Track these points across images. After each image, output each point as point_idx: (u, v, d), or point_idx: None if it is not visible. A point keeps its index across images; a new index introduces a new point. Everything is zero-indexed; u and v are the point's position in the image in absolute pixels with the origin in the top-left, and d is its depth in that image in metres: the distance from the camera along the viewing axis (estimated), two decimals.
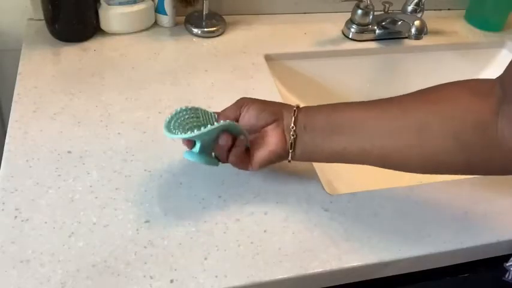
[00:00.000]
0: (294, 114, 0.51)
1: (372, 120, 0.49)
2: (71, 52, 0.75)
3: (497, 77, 0.47)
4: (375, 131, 0.49)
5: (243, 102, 0.53)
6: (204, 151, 0.51)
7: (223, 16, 0.87)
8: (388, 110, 0.49)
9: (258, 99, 0.53)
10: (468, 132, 0.45)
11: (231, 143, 0.50)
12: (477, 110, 0.45)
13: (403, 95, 0.50)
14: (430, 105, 0.47)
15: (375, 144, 0.49)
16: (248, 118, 0.52)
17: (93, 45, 0.77)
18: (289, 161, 0.52)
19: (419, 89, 0.50)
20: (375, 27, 0.87)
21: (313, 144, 0.51)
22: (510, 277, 0.54)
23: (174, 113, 0.52)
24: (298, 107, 0.52)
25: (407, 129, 0.47)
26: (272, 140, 0.51)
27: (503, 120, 0.43)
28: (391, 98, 0.51)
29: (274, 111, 0.52)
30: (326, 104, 0.53)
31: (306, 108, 0.52)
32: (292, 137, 0.51)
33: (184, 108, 0.53)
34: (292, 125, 0.51)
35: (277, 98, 0.70)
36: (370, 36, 0.87)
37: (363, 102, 0.51)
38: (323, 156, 0.52)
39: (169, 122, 0.51)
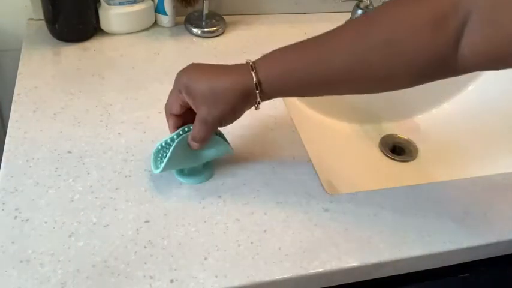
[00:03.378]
0: (257, 105, 0.50)
1: (326, 83, 0.48)
2: (71, 52, 0.75)
3: None
4: (328, 90, 0.50)
5: (183, 95, 0.50)
6: (175, 162, 0.53)
7: (223, 16, 0.87)
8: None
9: (213, 108, 0.49)
10: (424, 67, 0.44)
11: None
12: (433, 45, 0.43)
13: (344, 32, 0.48)
14: (392, 23, 0.45)
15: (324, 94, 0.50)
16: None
17: (93, 45, 0.77)
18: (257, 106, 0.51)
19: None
20: None
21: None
22: None
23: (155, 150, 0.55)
24: (258, 88, 0.48)
25: (375, 48, 0.45)
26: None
27: (465, 44, 0.42)
28: (336, 40, 0.49)
29: (243, 109, 0.50)
30: (286, 73, 0.49)
31: (269, 89, 0.49)
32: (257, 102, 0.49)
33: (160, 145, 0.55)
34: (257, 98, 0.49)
35: (277, 98, 0.69)
36: None
37: (313, 53, 0.50)
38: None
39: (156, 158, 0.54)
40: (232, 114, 0.50)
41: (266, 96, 0.49)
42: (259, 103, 0.50)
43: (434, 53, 0.43)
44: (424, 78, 0.46)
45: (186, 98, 0.50)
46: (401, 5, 0.45)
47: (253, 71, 0.48)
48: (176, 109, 0.52)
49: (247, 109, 0.51)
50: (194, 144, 0.52)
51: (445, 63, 0.43)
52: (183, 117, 0.53)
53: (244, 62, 0.50)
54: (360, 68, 0.46)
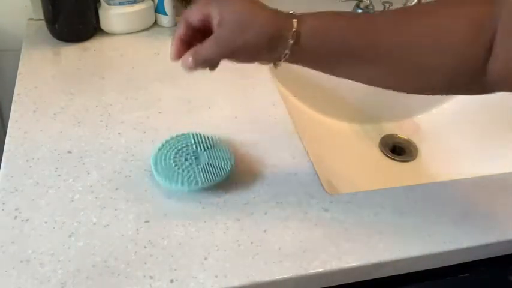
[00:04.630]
0: (284, 56, 0.44)
1: (367, 54, 0.45)
2: (71, 52, 0.75)
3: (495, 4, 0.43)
4: (366, 63, 0.46)
5: (210, 8, 0.43)
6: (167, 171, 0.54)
7: None
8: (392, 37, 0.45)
9: (236, 34, 0.43)
10: (457, 66, 0.44)
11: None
12: (472, 43, 0.43)
13: (395, 14, 0.47)
14: (424, 29, 0.44)
15: (359, 73, 0.48)
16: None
17: (93, 45, 0.77)
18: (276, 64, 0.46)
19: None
20: None
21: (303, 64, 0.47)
22: None
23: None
24: (293, 38, 0.43)
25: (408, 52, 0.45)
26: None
27: (492, 59, 0.42)
28: (385, 18, 0.47)
29: (265, 54, 0.45)
30: (327, 31, 0.45)
31: (304, 42, 0.44)
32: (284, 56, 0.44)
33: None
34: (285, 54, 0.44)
35: (277, 98, 0.70)
36: None
37: (361, 23, 0.46)
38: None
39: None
40: (250, 52, 0.44)
41: (296, 53, 0.44)
42: (285, 56, 0.44)
43: (470, 56, 0.43)
44: (454, 84, 0.46)
45: (212, 11, 0.43)
46: (448, 5, 0.45)
47: (295, 19, 0.44)
48: (194, 18, 0.45)
49: (266, 59, 0.46)
50: (191, 62, 0.44)
51: (476, 72, 0.43)
52: (191, 42, 0.46)
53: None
54: (403, 50, 0.44)
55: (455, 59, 0.44)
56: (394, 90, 0.48)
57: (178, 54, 0.46)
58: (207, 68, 0.46)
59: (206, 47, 0.44)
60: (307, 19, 0.44)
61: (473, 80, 0.44)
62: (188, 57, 0.44)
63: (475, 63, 0.43)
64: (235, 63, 0.46)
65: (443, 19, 0.44)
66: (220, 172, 0.54)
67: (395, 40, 0.44)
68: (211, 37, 0.44)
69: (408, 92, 0.48)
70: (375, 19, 0.47)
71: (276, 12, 0.45)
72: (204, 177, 0.53)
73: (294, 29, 0.43)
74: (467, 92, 0.47)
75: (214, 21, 0.43)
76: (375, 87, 0.50)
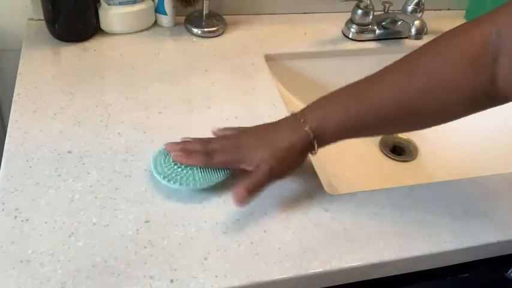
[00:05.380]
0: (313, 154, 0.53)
1: (375, 121, 0.51)
2: (71, 52, 0.75)
3: (492, 20, 0.46)
4: (378, 128, 0.52)
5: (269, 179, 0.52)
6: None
7: (223, 16, 0.87)
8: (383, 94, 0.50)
9: (275, 165, 0.52)
10: (472, 101, 0.48)
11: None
12: (471, 83, 0.46)
13: (383, 71, 0.52)
14: (421, 78, 0.48)
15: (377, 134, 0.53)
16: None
17: (93, 45, 0.77)
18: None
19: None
20: (375, 27, 0.87)
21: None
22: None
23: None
24: (314, 144, 0.52)
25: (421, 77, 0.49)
26: None
27: (500, 78, 0.45)
28: (373, 79, 0.52)
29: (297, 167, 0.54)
30: (335, 121, 0.52)
31: (323, 139, 0.52)
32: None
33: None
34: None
35: (277, 98, 0.70)
36: (370, 36, 0.87)
37: (356, 95, 0.52)
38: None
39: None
40: (293, 168, 0.54)
41: (321, 145, 0.52)
42: (313, 154, 0.53)
43: (476, 89, 0.46)
44: (474, 108, 0.49)
45: (246, 167, 0.53)
46: (437, 49, 0.49)
47: (305, 126, 0.51)
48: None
49: (305, 158, 0.54)
50: (244, 194, 0.50)
51: (488, 96, 0.46)
52: None
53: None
54: (409, 111, 0.49)
55: (464, 95, 0.47)
56: (421, 129, 0.55)
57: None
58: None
59: (257, 179, 0.50)
60: (313, 121, 0.51)
61: (488, 100, 0.47)
62: (243, 191, 0.50)
63: (484, 90, 0.46)
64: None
65: (439, 64, 0.48)
66: (220, 172, 0.54)
67: (400, 105, 0.49)
68: (256, 171, 0.51)
69: (437, 124, 0.52)
70: (372, 89, 0.51)
71: (287, 125, 0.53)
72: (204, 177, 0.53)
73: (311, 137, 0.51)
74: (487, 107, 0.49)
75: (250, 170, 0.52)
76: None
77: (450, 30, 0.49)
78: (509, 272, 0.54)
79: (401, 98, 0.49)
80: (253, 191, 0.50)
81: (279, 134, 0.53)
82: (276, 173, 0.51)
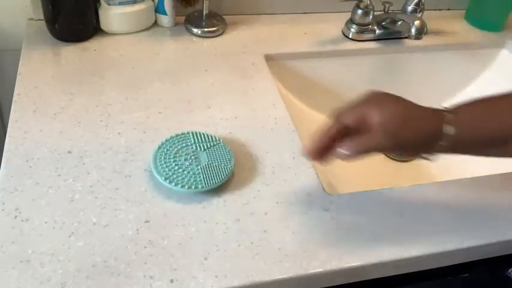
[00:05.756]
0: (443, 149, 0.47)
1: None
2: (71, 52, 0.75)
3: None
4: None
5: (392, 142, 0.46)
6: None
7: (223, 16, 0.87)
8: None
9: (405, 131, 0.46)
10: None
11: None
12: None
13: None
14: None
15: None
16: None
17: (93, 45, 0.77)
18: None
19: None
20: (375, 27, 0.87)
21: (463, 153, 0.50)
22: None
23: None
24: (451, 129, 0.46)
25: None
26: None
27: None
28: None
29: (421, 148, 0.48)
30: (481, 120, 0.48)
31: (461, 128, 0.47)
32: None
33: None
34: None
35: (277, 98, 0.70)
36: (370, 36, 0.87)
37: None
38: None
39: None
40: (413, 145, 0.47)
41: (454, 144, 0.47)
42: (442, 148, 0.47)
43: None
44: None
45: (372, 111, 0.46)
46: None
47: (451, 114, 0.47)
48: (349, 119, 0.47)
49: (425, 151, 0.49)
50: (352, 151, 0.45)
51: None
52: (334, 142, 0.47)
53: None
54: None
55: None
56: None
57: (320, 154, 0.48)
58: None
59: (372, 139, 0.46)
60: (461, 111, 0.47)
61: None
62: (350, 148, 0.46)
63: None
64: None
65: None
66: (221, 174, 0.54)
67: None
68: (375, 131, 0.46)
69: None
70: None
71: (431, 109, 0.48)
72: (204, 179, 0.54)
73: (451, 124, 0.46)
74: None
75: (375, 119, 0.46)
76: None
77: None
78: (509, 271, 0.54)
79: None
80: (360, 152, 0.46)
81: (420, 109, 0.47)
82: (399, 138, 0.46)
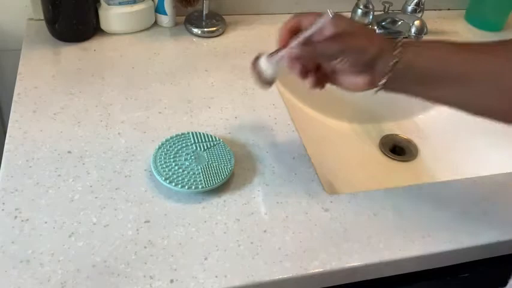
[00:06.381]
0: (391, 68, 0.47)
1: (474, 80, 0.47)
2: (71, 52, 0.75)
3: None
4: (464, 84, 0.48)
5: (340, 48, 0.47)
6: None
7: (223, 16, 0.87)
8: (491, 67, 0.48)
9: (356, 39, 0.47)
10: None
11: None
12: None
13: (496, 42, 0.50)
14: None
15: (457, 96, 0.49)
16: (340, 66, 0.48)
17: (93, 45, 0.77)
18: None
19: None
20: (375, 27, 0.87)
21: (402, 89, 0.49)
22: None
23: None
24: (400, 51, 0.47)
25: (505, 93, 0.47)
26: (354, 86, 0.50)
27: None
28: (483, 44, 0.50)
29: (370, 62, 0.47)
30: (429, 49, 0.48)
31: (407, 54, 0.47)
32: (379, 87, 0.49)
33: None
34: (385, 78, 0.47)
35: (277, 98, 0.70)
36: None
37: (467, 49, 0.49)
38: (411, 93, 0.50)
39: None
40: (360, 54, 0.47)
41: (397, 74, 0.47)
42: (387, 75, 0.47)
43: None
44: None
45: (330, 24, 0.48)
46: None
47: (393, 46, 0.47)
48: (306, 22, 0.49)
49: (368, 74, 0.48)
50: (307, 51, 0.48)
51: None
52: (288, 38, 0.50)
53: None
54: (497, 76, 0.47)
55: None
56: (489, 115, 0.50)
57: (286, 40, 0.50)
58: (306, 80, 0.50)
59: (324, 43, 0.47)
60: (412, 43, 0.48)
61: None
62: (299, 47, 0.48)
63: None
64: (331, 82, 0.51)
65: None
66: (221, 175, 0.54)
67: (492, 61, 0.47)
68: (330, 37, 0.47)
69: (507, 119, 0.49)
70: (474, 44, 0.49)
71: (381, 35, 0.50)
72: (204, 179, 0.54)
73: (400, 43, 0.47)
74: None
75: (330, 30, 0.47)
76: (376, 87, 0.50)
77: None
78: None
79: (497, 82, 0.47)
80: (314, 54, 0.48)
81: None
82: (349, 45, 0.47)
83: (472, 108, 0.49)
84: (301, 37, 0.48)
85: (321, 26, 0.48)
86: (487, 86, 0.47)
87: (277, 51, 0.50)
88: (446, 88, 0.48)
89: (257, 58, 0.53)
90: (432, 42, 0.50)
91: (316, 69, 0.51)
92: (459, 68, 0.47)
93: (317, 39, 0.48)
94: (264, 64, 0.52)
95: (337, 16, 0.48)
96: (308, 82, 0.51)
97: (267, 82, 0.53)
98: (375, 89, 0.49)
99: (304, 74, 0.50)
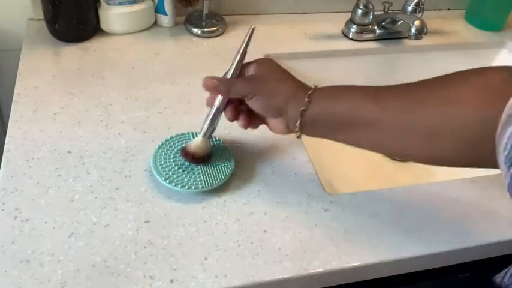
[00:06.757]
0: (301, 115, 0.49)
1: (384, 124, 0.48)
2: (71, 52, 0.75)
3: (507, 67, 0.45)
4: (385, 135, 0.48)
5: (250, 90, 0.51)
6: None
7: (223, 16, 0.87)
8: (399, 111, 0.48)
9: (266, 84, 0.51)
10: (479, 134, 0.44)
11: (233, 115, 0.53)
12: (489, 111, 0.43)
13: (411, 87, 0.49)
14: (440, 105, 0.46)
15: (383, 145, 0.49)
16: (255, 108, 0.51)
17: (93, 45, 0.77)
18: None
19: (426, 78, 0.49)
20: (375, 27, 0.87)
21: (318, 134, 0.51)
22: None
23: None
24: (309, 98, 0.49)
25: (416, 133, 0.46)
26: (276, 129, 0.53)
27: None
28: (400, 92, 0.49)
29: (279, 107, 0.50)
30: (338, 97, 0.50)
31: (317, 102, 0.49)
32: (296, 132, 0.50)
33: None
34: (297, 124, 0.50)
35: None
36: (370, 36, 0.87)
37: (376, 95, 0.49)
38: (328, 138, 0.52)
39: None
40: (271, 97, 0.50)
41: (308, 119, 0.49)
42: (298, 124, 0.49)
43: (485, 119, 0.43)
44: (478, 155, 0.45)
45: (252, 67, 0.52)
46: (451, 76, 0.47)
47: (310, 90, 0.50)
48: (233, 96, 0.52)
49: (281, 117, 0.51)
50: (213, 84, 0.51)
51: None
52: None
53: (244, 61, 0.54)
54: (410, 120, 0.46)
55: (468, 127, 0.44)
56: (402, 156, 0.52)
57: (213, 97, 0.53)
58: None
59: (237, 80, 0.52)
60: (322, 87, 0.50)
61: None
62: (218, 80, 0.51)
63: (494, 130, 0.42)
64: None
65: (451, 91, 0.45)
66: (221, 174, 0.54)
67: (400, 106, 0.47)
68: (244, 76, 0.52)
69: (420, 159, 0.48)
70: (382, 88, 0.49)
71: (300, 81, 0.52)
72: (204, 179, 0.54)
73: (310, 91, 0.49)
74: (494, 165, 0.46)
75: (250, 72, 0.53)
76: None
77: (471, 69, 0.48)
78: (495, 276, 0.53)
79: (407, 105, 0.47)
80: (227, 90, 0.51)
81: (290, 78, 0.52)
82: (258, 90, 0.50)
83: (389, 149, 0.51)
84: (229, 72, 0.52)
85: (241, 62, 0.52)
86: (399, 131, 0.47)
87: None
88: (360, 133, 0.49)
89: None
90: (345, 88, 0.51)
91: (248, 111, 0.52)
92: (370, 115, 0.48)
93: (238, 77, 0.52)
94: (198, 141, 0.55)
95: (261, 60, 0.53)
96: (239, 122, 0.53)
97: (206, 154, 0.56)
98: (295, 134, 0.51)
99: (234, 115, 0.53)
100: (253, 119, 0.53)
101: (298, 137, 0.51)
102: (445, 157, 0.47)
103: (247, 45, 0.53)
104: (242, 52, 0.53)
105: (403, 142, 0.48)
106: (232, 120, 0.53)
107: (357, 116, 0.48)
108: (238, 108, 0.53)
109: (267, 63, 0.53)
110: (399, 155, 0.50)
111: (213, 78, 0.51)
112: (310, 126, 0.50)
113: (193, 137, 0.59)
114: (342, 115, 0.49)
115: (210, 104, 0.53)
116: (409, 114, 0.46)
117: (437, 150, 0.46)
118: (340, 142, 0.50)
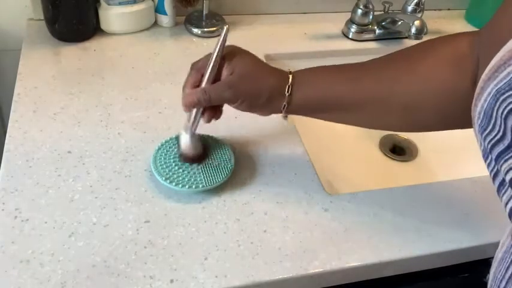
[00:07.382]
0: (284, 107, 0.51)
1: (363, 105, 0.51)
2: (71, 52, 0.75)
3: (478, 32, 0.47)
4: (365, 114, 0.51)
5: (232, 95, 0.50)
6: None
7: (223, 16, 0.87)
8: (376, 91, 0.50)
9: (246, 84, 0.51)
10: (454, 104, 0.47)
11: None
12: (459, 82, 0.46)
13: (386, 62, 0.52)
14: (413, 83, 0.48)
15: (365, 123, 0.53)
16: (240, 110, 0.52)
17: (93, 45, 0.77)
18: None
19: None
20: (375, 27, 0.87)
21: (302, 115, 0.54)
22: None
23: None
24: (289, 90, 0.51)
25: (395, 110, 0.50)
26: (261, 115, 0.54)
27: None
28: (375, 69, 0.52)
29: (264, 105, 0.51)
30: (316, 82, 0.52)
31: (298, 92, 0.51)
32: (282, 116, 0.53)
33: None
34: (282, 112, 0.52)
35: None
36: (370, 36, 0.87)
37: (354, 79, 0.52)
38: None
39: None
40: (253, 98, 0.51)
41: (293, 102, 0.51)
42: (284, 107, 0.51)
43: (455, 89, 0.46)
44: (449, 121, 0.49)
45: (225, 63, 0.51)
46: (423, 49, 0.50)
47: (290, 74, 0.51)
48: (203, 68, 0.52)
49: (266, 108, 0.52)
50: (193, 102, 0.51)
51: (468, 100, 0.44)
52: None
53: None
54: (385, 96, 0.49)
55: (441, 99, 0.47)
56: (385, 129, 0.55)
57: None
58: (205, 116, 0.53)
59: (217, 88, 0.50)
60: (299, 73, 0.52)
61: (467, 106, 0.45)
62: (196, 94, 0.50)
63: (463, 92, 0.45)
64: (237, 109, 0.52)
65: (422, 65, 0.48)
66: (221, 174, 0.54)
67: (377, 87, 0.50)
68: (223, 81, 0.51)
69: (402, 130, 0.52)
70: (359, 68, 0.53)
71: (276, 68, 0.52)
72: (204, 179, 0.53)
73: (289, 82, 0.50)
74: (468, 125, 0.47)
75: (225, 72, 0.51)
76: None
77: (441, 37, 0.50)
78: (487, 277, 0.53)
79: (381, 82, 0.50)
80: (208, 99, 0.50)
81: (269, 69, 0.52)
82: (241, 90, 0.50)
83: (371, 126, 0.54)
84: (203, 81, 0.51)
85: (215, 65, 0.51)
86: (378, 110, 0.50)
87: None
88: (341, 113, 0.52)
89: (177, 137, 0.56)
90: (321, 71, 0.53)
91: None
92: (349, 98, 0.51)
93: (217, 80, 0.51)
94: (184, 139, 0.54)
95: (235, 57, 0.51)
96: (204, 119, 0.53)
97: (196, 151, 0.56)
98: (282, 114, 0.53)
99: (211, 116, 0.53)
100: (217, 113, 0.54)
101: (285, 118, 0.54)
102: (427, 126, 0.52)
103: (222, 46, 0.51)
104: (217, 55, 0.51)
105: (383, 120, 0.52)
106: (209, 122, 0.53)
107: (336, 99, 0.51)
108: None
109: (242, 59, 0.52)
110: (383, 129, 0.54)
111: (190, 94, 0.51)
112: (294, 112, 0.52)
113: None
114: (323, 100, 0.51)
115: (187, 110, 0.53)
116: (385, 94, 0.49)
117: (418, 122, 0.50)
118: (325, 120, 0.54)
